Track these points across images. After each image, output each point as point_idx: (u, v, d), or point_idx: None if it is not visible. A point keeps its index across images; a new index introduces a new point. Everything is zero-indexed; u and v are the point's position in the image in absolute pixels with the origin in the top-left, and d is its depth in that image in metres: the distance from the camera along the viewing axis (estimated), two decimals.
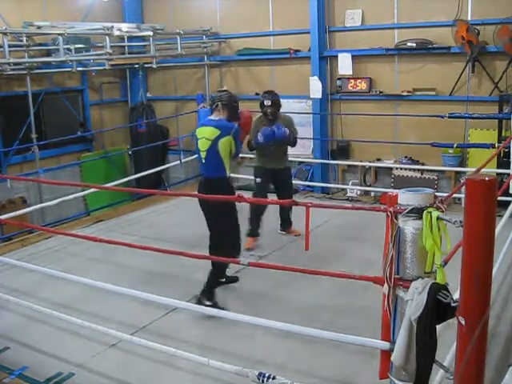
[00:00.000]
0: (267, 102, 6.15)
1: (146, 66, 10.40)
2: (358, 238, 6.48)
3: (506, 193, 5.07)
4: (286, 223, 6.64)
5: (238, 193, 3.28)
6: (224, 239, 4.78)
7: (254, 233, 6.26)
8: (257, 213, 6.22)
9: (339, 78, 9.00)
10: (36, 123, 8.98)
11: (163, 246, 4.93)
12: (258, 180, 6.39)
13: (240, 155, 9.42)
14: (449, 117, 7.49)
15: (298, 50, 9.30)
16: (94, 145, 10.58)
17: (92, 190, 7.93)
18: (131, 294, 3.87)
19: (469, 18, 7.72)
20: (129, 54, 10.47)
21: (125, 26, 9.53)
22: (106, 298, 4.63)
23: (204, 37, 10.07)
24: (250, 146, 6.33)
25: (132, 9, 10.91)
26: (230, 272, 5.27)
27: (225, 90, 5.08)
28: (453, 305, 2.19)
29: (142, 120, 10.45)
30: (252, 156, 9.51)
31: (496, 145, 6.99)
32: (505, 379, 2.19)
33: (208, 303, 4.58)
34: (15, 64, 8.42)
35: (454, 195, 7.03)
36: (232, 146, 4.74)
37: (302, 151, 9.54)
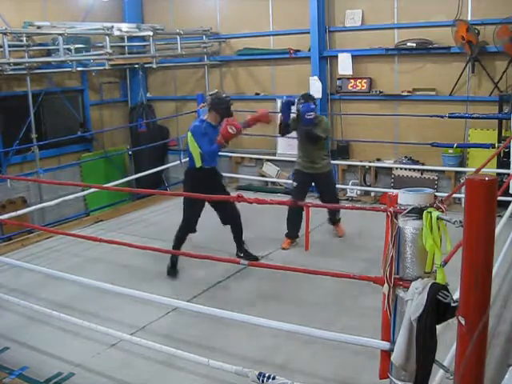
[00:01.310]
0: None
1: (146, 66, 10.40)
2: (358, 238, 6.48)
3: (506, 193, 5.07)
4: (334, 222, 6.68)
5: (238, 193, 3.28)
6: (183, 219, 5.65)
7: (289, 234, 6.33)
8: (291, 215, 6.25)
9: (339, 78, 9.00)
10: (36, 123, 8.97)
11: (163, 246, 4.96)
12: (295, 184, 6.47)
13: (239, 155, 9.57)
14: (449, 117, 7.49)
15: (298, 50, 9.29)
16: (94, 145, 10.57)
17: (92, 189, 7.93)
18: (131, 294, 3.87)
19: (469, 18, 7.72)
20: (129, 54, 10.47)
21: (125, 26, 9.53)
22: (106, 298, 4.64)
23: (204, 37, 10.06)
24: (279, 129, 6.37)
25: (132, 9, 10.89)
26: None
27: (213, 94, 5.59)
28: (453, 305, 2.19)
29: (141, 120, 10.46)
30: (252, 156, 9.60)
31: (496, 145, 7.00)
32: (505, 379, 2.19)
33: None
34: (15, 64, 8.41)
35: (454, 195, 7.03)
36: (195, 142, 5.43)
37: None
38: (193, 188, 5.28)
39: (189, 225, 5.59)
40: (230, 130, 5.25)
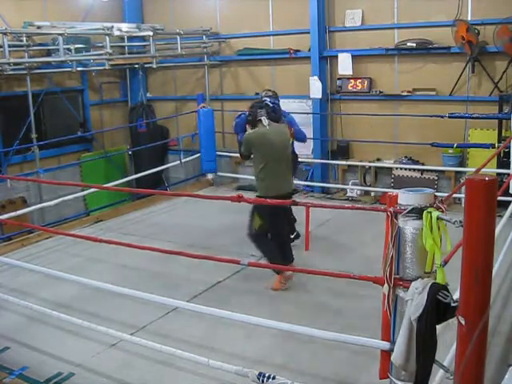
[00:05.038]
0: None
1: (146, 66, 10.39)
2: (358, 238, 6.47)
3: (506, 193, 5.07)
4: None
5: (238, 193, 3.28)
6: None
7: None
8: None
9: (339, 78, 8.99)
10: (36, 123, 8.98)
11: (163, 246, 4.94)
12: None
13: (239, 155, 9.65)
14: (449, 117, 7.49)
15: (298, 50, 9.29)
16: (94, 145, 10.57)
17: (92, 189, 7.93)
18: (131, 294, 3.87)
19: (469, 18, 7.72)
20: (129, 54, 10.46)
21: (125, 26, 9.52)
22: (106, 297, 4.63)
23: (204, 37, 10.06)
24: None
25: (132, 9, 10.90)
26: None
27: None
28: (453, 305, 2.19)
29: (142, 120, 10.46)
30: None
31: (496, 145, 6.99)
32: (505, 379, 2.19)
33: None
34: (15, 64, 8.41)
35: (454, 195, 7.03)
36: None
37: (302, 151, 9.53)
38: None
39: None
40: None
